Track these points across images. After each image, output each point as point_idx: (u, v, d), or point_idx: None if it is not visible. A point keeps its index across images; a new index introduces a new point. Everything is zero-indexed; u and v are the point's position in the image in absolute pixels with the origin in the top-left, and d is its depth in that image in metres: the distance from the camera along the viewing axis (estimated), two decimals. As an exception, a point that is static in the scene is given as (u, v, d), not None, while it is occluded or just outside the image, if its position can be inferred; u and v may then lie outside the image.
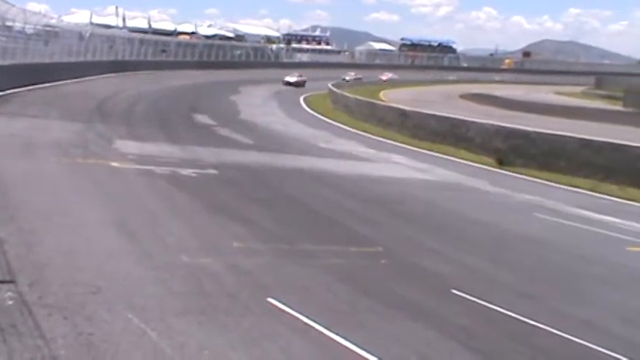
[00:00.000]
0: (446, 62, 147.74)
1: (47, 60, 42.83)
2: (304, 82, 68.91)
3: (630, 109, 66.41)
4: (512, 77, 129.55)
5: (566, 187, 21.84)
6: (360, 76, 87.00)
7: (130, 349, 6.09)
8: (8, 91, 30.43)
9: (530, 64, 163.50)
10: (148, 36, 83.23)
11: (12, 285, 7.24)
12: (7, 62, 33.89)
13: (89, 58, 54.80)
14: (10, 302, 6.78)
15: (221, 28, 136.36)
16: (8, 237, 8.97)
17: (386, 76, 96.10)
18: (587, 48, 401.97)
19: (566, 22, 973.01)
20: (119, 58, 64.53)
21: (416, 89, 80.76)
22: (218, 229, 11.30)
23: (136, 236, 10.09)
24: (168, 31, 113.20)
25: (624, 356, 7.50)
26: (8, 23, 37.50)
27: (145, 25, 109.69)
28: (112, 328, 6.46)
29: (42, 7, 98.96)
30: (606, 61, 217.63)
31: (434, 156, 27.36)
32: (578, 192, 21.27)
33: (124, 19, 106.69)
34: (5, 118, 22.44)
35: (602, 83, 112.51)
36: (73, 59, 49.53)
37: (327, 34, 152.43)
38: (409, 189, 18.50)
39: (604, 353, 7.54)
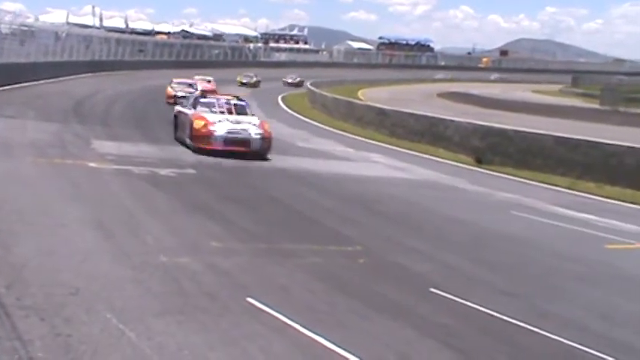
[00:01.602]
0: (424, 61, 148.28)
1: (23, 60, 42.61)
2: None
3: (607, 107, 66.95)
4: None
5: (543, 185, 21.96)
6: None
7: (109, 350, 6.06)
8: (-16, 92, 30.23)
9: (507, 62, 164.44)
10: (125, 36, 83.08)
11: (-11, 287, 7.19)
12: (-18, 62, 33.67)
13: (66, 58, 54.56)
14: (-13, 304, 6.73)
15: (195, 28, 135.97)
16: (-16, 238, 8.91)
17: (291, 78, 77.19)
18: (563, 46, 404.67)
19: (543, 21, 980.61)
20: (96, 58, 64.30)
21: (394, 88, 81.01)
22: (196, 228, 11.26)
23: (115, 236, 10.04)
24: (146, 30, 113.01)
25: (603, 353, 7.53)
26: (-18, 23, 37.29)
27: (122, 25, 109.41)
28: (90, 330, 6.41)
29: (17, 7, 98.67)
30: (582, 60, 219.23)
31: (412, 155, 27.46)
32: (555, 190, 21.40)
33: (100, 19, 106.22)
34: (-19, 119, 22.29)
35: (579, 81, 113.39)
36: (49, 59, 49.31)
37: (305, 32, 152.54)
38: (388, 188, 18.54)
39: (583, 351, 7.57)
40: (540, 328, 7.97)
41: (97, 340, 6.22)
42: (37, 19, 60.70)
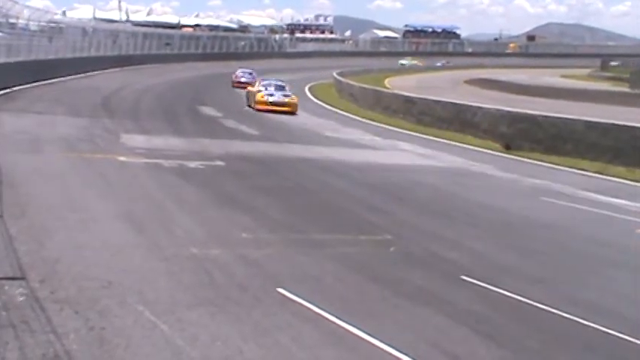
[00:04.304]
0: (450, 48, 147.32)
1: (52, 56, 42.94)
2: None
3: (637, 91, 66.07)
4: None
5: (573, 170, 21.79)
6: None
7: (142, 342, 6.12)
8: (14, 88, 30.52)
9: (534, 47, 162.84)
10: (152, 29, 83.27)
11: (23, 281, 7.27)
12: (12, 59, 33.98)
13: (93, 53, 54.86)
14: (22, 298, 6.82)
15: (217, 18, 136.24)
16: (18, 234, 9.01)
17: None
18: (592, 30, 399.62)
19: (571, 5, 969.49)
20: (123, 52, 64.50)
21: (421, 76, 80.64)
22: (226, 220, 11.32)
23: (145, 229, 10.12)
24: (172, 23, 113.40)
25: (636, 339, 7.49)
26: (12, 20, 37.64)
27: (148, 19, 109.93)
28: (123, 322, 6.49)
29: (45, 3, 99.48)
30: (611, 43, 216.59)
31: (440, 142, 27.36)
32: (585, 175, 21.23)
33: (127, 13, 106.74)
34: (12, 115, 22.51)
35: (608, 65, 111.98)
36: (77, 55, 49.62)
37: (331, 22, 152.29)
38: (416, 176, 18.50)
39: (615, 336, 7.53)
40: (571, 314, 7.94)
41: (131, 332, 6.29)
42: (64, 16, 61.21)
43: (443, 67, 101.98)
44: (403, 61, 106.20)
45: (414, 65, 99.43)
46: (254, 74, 51.38)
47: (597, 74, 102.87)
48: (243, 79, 50.12)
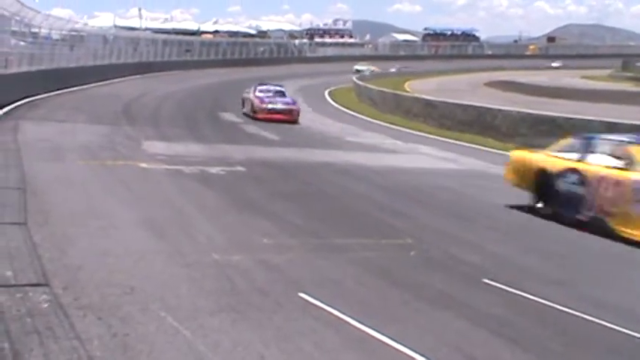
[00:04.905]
0: (470, 51, 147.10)
1: (73, 64, 43.33)
2: None
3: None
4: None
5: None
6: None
7: (165, 348, 6.15)
8: (36, 97, 30.79)
9: (555, 49, 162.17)
10: (172, 36, 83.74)
11: (47, 288, 7.33)
12: (34, 68, 34.31)
13: (114, 60, 55.27)
14: (46, 305, 6.87)
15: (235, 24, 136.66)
16: (42, 241, 9.07)
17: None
18: (612, 30, 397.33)
19: (591, 5, 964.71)
20: (143, 59, 64.87)
21: (440, 79, 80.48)
22: (247, 225, 11.34)
23: (167, 236, 10.16)
24: (192, 30, 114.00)
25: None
26: (34, 30, 37.99)
27: (169, 26, 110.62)
28: (146, 329, 6.52)
29: (66, 12, 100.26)
30: (632, 43, 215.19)
31: (461, 145, 27.31)
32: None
33: (147, 21, 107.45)
34: (34, 123, 22.71)
35: (629, 65, 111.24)
36: (98, 62, 50.03)
37: (350, 26, 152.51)
38: (437, 179, 18.46)
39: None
40: (594, 317, 7.89)
41: (153, 338, 6.32)
42: (85, 24, 61.61)
43: (398, 72, 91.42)
44: (359, 67, 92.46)
45: (373, 72, 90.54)
46: (288, 95, 33.59)
47: (618, 74, 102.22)
48: (276, 106, 30.80)
